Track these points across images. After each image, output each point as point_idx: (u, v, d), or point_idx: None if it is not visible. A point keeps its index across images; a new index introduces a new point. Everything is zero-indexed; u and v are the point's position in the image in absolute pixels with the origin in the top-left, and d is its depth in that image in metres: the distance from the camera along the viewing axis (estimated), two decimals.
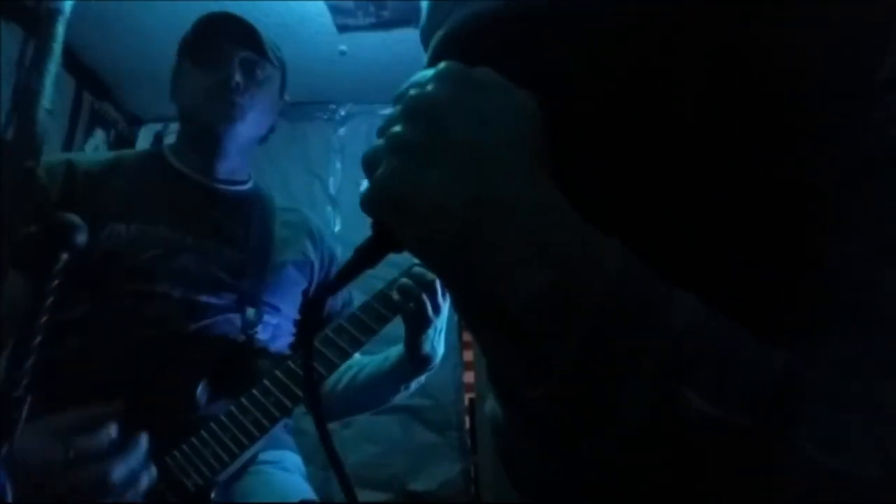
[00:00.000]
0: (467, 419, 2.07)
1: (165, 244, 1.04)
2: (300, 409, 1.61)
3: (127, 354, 0.95)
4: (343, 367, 1.05)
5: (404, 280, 1.02)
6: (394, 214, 0.34)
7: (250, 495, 0.96)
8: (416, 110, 0.35)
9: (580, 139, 0.36)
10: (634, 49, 0.35)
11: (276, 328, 1.11)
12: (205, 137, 1.16)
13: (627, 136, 0.36)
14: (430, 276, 1.01)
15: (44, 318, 0.63)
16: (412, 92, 0.36)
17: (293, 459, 1.13)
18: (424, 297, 1.01)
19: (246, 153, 1.23)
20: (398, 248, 0.37)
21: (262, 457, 1.03)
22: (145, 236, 1.03)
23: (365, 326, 0.99)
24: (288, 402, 0.94)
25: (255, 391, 0.94)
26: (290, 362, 0.97)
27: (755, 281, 0.34)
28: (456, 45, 0.40)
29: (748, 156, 0.34)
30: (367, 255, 0.37)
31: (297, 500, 0.97)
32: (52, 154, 1.38)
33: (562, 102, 0.35)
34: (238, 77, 1.13)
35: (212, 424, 0.92)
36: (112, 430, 0.77)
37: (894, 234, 0.30)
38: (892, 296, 0.28)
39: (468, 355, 2.12)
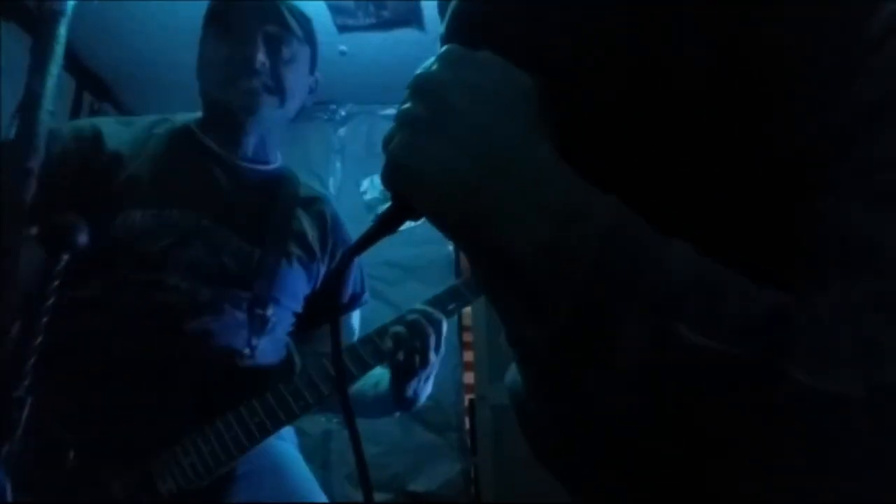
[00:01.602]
0: (467, 420, 2.07)
1: (177, 232, 1.02)
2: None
3: (130, 344, 0.95)
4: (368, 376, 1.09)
5: (398, 328, 1.01)
6: (406, 184, 0.38)
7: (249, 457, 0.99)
8: (421, 87, 0.39)
9: (580, 113, 0.39)
10: (631, 24, 0.37)
11: (276, 320, 1.11)
12: (227, 121, 1.11)
13: (625, 103, 0.38)
14: (426, 326, 1.01)
15: (45, 318, 0.63)
16: (418, 72, 0.40)
17: (286, 429, 1.15)
18: (416, 345, 1.00)
19: (273, 133, 1.18)
20: (415, 216, 0.40)
21: None
22: (158, 224, 1.01)
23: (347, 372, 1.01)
24: (270, 426, 0.96)
25: (242, 409, 0.96)
26: (280, 385, 0.99)
27: (748, 231, 0.36)
28: (461, 30, 0.43)
29: (740, 116, 0.36)
30: (386, 224, 0.41)
31: (288, 461, 1.01)
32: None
33: (560, 80, 0.38)
34: (262, 56, 1.05)
35: (195, 436, 0.93)
36: None
37: (881, 179, 0.31)
38: (878, 237, 0.30)
39: (468, 356, 2.12)
